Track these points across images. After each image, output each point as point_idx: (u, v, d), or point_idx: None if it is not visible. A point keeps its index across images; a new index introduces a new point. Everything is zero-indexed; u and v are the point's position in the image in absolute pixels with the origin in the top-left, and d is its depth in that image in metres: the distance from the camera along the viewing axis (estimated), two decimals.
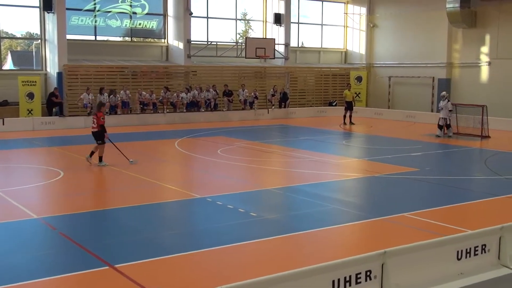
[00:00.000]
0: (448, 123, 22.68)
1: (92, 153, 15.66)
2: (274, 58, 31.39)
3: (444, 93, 23.20)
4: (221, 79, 30.89)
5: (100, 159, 15.58)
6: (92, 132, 15.73)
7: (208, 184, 13.65)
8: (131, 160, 15.89)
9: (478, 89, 29.93)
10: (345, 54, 36.81)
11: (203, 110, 28.78)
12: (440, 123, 22.89)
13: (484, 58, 29.77)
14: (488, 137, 22.59)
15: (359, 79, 34.86)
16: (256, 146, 20.03)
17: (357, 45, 35.99)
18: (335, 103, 34.27)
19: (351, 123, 27.65)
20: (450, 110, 22.65)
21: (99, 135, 15.57)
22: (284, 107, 31.58)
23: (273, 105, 30.97)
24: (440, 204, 11.70)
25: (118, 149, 16.18)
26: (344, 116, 27.74)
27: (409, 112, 30.48)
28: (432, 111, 31.16)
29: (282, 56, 32.72)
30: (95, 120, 15.64)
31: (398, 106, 33.46)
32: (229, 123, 28.01)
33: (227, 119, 28.95)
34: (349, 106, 27.68)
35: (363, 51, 35.61)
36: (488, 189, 13.56)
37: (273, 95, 31.00)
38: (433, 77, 31.81)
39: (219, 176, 14.63)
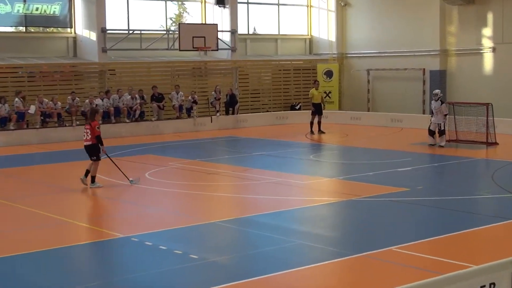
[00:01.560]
0: (442, 128, 23.12)
1: (87, 172, 16.43)
2: (217, 50, 31.48)
3: (437, 91, 23.61)
4: (148, 80, 30.78)
5: (93, 179, 16.39)
6: (85, 146, 16.49)
7: (133, 219, 13.52)
8: (131, 179, 16.77)
9: (481, 82, 30.68)
10: (310, 43, 37.23)
11: (128, 121, 28.62)
12: (431, 128, 23.35)
13: (487, 43, 30.57)
14: (496, 143, 23.15)
15: (329, 74, 35.28)
16: (196, 166, 19.98)
17: (325, 30, 36.46)
18: (299, 107, 34.57)
19: (320, 131, 27.93)
20: (445, 115, 23.08)
21: (94, 150, 16.35)
22: (232, 113, 31.67)
23: (217, 111, 31.05)
24: (436, 233, 11.88)
25: (117, 166, 16.98)
26: (311, 123, 28.00)
27: (394, 115, 31.00)
28: (423, 112, 31.76)
29: (228, 47, 32.87)
30: (88, 131, 16.35)
31: (381, 108, 34.00)
32: (160, 136, 27.89)
33: (158, 132, 28.84)
34: (317, 110, 27.96)
35: (332, 37, 36.09)
36: (496, 211, 13.85)
37: (217, 99, 31.07)
38: (424, 69, 32.47)
39: (148, 207, 14.51)
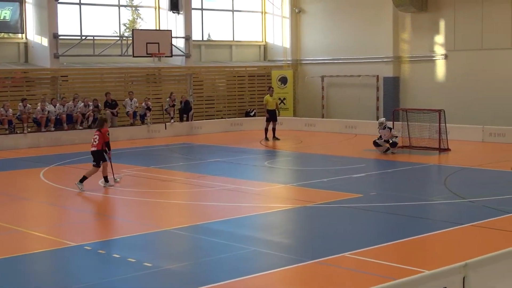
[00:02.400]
0: (391, 141, 23.19)
1: (106, 178, 17.46)
2: (171, 56, 31.38)
3: (382, 120, 23.82)
4: (101, 86, 30.53)
5: (82, 179, 17.04)
6: (91, 151, 17.37)
7: (86, 227, 13.40)
8: (116, 177, 17.86)
9: (434, 89, 31.12)
10: (265, 49, 37.34)
11: (81, 128, 28.32)
12: (381, 140, 23.38)
13: (439, 50, 31.03)
14: (448, 149, 23.48)
15: (283, 80, 35.43)
16: (151, 173, 19.88)
17: (279, 36, 36.62)
18: (253, 113, 34.63)
19: (275, 138, 28.02)
20: (394, 143, 23.25)
21: (98, 156, 17.27)
22: (187, 120, 31.59)
23: (172, 118, 30.95)
24: (389, 239, 12.00)
25: (111, 169, 17.86)
26: (266, 130, 28.07)
27: (348, 122, 31.23)
28: (377, 119, 32.02)
29: (182, 53, 32.79)
30: (97, 137, 17.30)
31: (335, 114, 34.24)
32: (113, 144, 27.43)
33: (111, 139, 28.12)
34: (271, 116, 28.03)
35: (287, 44, 36.26)
36: (449, 217, 14.04)
37: (171, 105, 30.97)
38: (377, 76, 32.80)
39: (101, 215, 14.39)
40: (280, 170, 21.29)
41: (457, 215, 14.08)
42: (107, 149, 17.46)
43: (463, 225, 12.84)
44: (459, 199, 15.50)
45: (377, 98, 32.84)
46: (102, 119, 18.30)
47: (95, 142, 17.37)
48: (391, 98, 32.16)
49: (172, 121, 30.88)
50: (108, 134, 17.63)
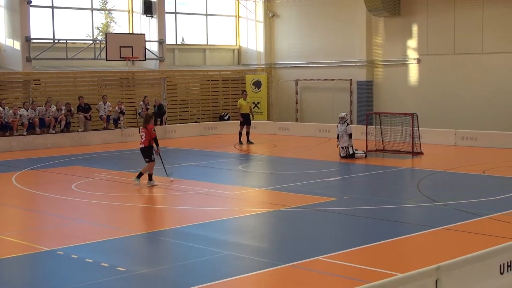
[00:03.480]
0: (351, 153, 22.74)
1: (140, 174, 18.06)
2: (145, 60, 31.30)
3: (343, 114, 23.61)
4: (74, 90, 30.36)
5: (150, 177, 18.06)
6: (140, 148, 18.20)
7: (58, 232, 13.30)
8: (168, 173, 18.80)
9: (406, 93, 31.33)
10: (239, 53, 37.38)
11: (53, 132, 28.12)
12: (341, 155, 22.91)
13: (412, 54, 31.25)
14: (421, 153, 23.64)
15: (257, 84, 35.47)
16: (124, 177, 19.79)
17: (253, 40, 36.67)
18: (227, 117, 34.63)
19: (249, 142, 28.03)
20: (349, 134, 22.82)
21: (147, 152, 18.01)
22: (161, 124, 31.51)
23: None
24: (363, 242, 12.05)
25: (163, 165, 18.89)
26: (240, 134, 28.09)
27: (322, 126, 31.32)
28: (351, 122, 32.21)
29: (156, 57, 32.72)
30: (144, 134, 18.02)
31: (309, 118, 34.35)
32: (87, 148, 27.52)
33: (85, 143, 28.46)
34: (245, 120, 28.05)
35: (261, 48, 36.31)
36: (421, 220, 14.13)
37: (145, 109, 30.86)
38: (351, 80, 32.97)
39: (74, 219, 14.30)
40: (254, 174, 21.30)
41: (429, 218, 14.16)
42: (154, 145, 18.17)
43: (436, 228, 12.92)
44: (432, 202, 15.60)
45: (351, 102, 32.99)
46: (148, 115, 18.75)
47: (142, 139, 18.11)
48: (365, 102, 32.35)
49: None
50: (154, 130, 18.19)
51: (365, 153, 23.21)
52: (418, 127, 24.05)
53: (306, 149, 26.67)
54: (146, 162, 18.10)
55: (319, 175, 19.64)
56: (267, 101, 35.90)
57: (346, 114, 23.71)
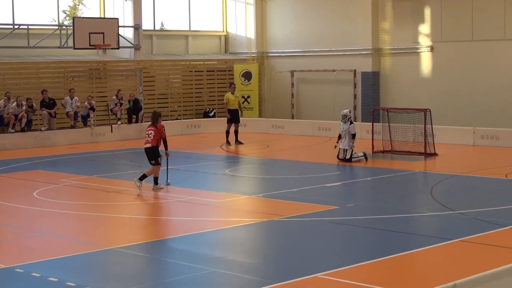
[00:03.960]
0: (347, 157, 22.61)
1: (143, 177, 18.17)
2: (118, 48, 31.23)
3: (346, 111, 23.41)
4: (37, 83, 30.29)
5: (156, 180, 18.38)
6: (145, 148, 18.42)
7: (18, 247, 13.20)
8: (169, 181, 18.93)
9: (418, 85, 31.30)
10: (226, 40, 37.31)
11: (13, 131, 28.02)
12: (339, 157, 22.86)
13: (424, 41, 31.24)
14: (435, 154, 23.65)
15: (247, 76, 35.42)
16: (94, 183, 19.73)
17: (242, 26, 36.62)
18: (213, 113, 34.58)
19: (237, 142, 28.01)
20: (353, 135, 22.68)
21: (154, 153, 18.32)
22: (136, 121, 31.45)
23: (119, 119, 30.80)
24: (369, 257, 12.00)
25: (167, 170, 18.99)
26: (227, 133, 28.06)
27: (322, 123, 31.29)
28: (354, 119, 32.17)
29: (131, 45, 32.67)
30: (152, 132, 18.31)
31: (306, 115, 34.35)
32: (51, 149, 27.42)
33: (48, 143, 28.37)
34: (233, 117, 28.03)
35: (251, 34, 36.27)
36: (435, 231, 14.12)
37: (118, 104, 30.79)
38: (355, 71, 32.92)
39: (36, 232, 14.22)
40: (244, 179, 21.25)
41: (444, 229, 14.15)
42: (164, 148, 18.53)
43: (452, 241, 12.90)
44: (448, 210, 15.60)
45: (355, 96, 32.97)
46: (156, 113, 18.86)
47: (150, 138, 18.31)
48: (370, 95, 32.32)
49: (119, 122, 30.71)
50: (164, 129, 18.47)
51: (364, 155, 22.98)
52: (432, 125, 24.05)
53: (303, 150, 26.64)
54: (152, 164, 18.38)
55: (318, 180, 19.63)
56: (259, 95, 35.84)
57: (349, 111, 23.54)
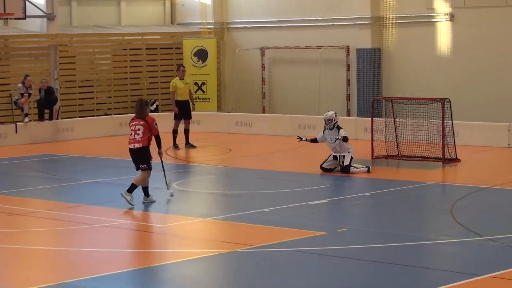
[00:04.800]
0: (345, 164, 22.57)
1: (133, 187, 18.72)
2: (24, 18, 31.09)
3: (330, 114, 23.29)
4: None
5: (146, 191, 19.00)
6: (132, 150, 18.91)
7: None
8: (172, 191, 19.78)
9: (433, 66, 31.43)
10: (172, 7, 37.31)
11: None
12: (324, 166, 22.89)
13: (442, 7, 31.36)
14: (456, 160, 23.79)
15: (201, 55, 35.38)
16: None
17: None
18: (155, 106, 34.49)
19: (188, 145, 28.16)
20: (344, 137, 22.59)
21: (144, 155, 18.80)
22: (50, 118, 31.30)
23: (26, 115, 30.62)
24: None
25: (164, 175, 19.81)
26: (175, 132, 28.14)
27: (303, 119, 31.40)
28: (348, 113, 32.33)
29: (42, 14, 32.51)
30: (141, 128, 18.69)
31: (283, 107, 34.48)
32: None
33: None
34: (183, 112, 28.14)
35: None
36: (457, 264, 14.11)
37: (25, 95, 30.61)
38: (347, 47, 33.01)
39: None
40: (197, 196, 21.20)
41: (469, 261, 14.16)
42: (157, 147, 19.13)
43: (480, 277, 12.91)
44: (473, 236, 15.62)
45: (348, 82, 33.03)
46: (143, 102, 19.40)
47: (138, 135, 18.72)
48: (369, 81, 32.40)
49: (26, 119, 30.60)
50: (156, 124, 18.95)
51: (368, 168, 22.90)
52: (452, 120, 24.13)
53: (278, 156, 26.69)
54: (142, 170, 18.89)
55: (299, 196, 19.66)
56: (217, 82, 35.85)
57: (335, 114, 23.39)
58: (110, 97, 34.43)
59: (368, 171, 22.81)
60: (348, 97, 32.88)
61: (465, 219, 17.04)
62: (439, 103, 24.13)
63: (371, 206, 19.24)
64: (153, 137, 18.88)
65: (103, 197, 20.15)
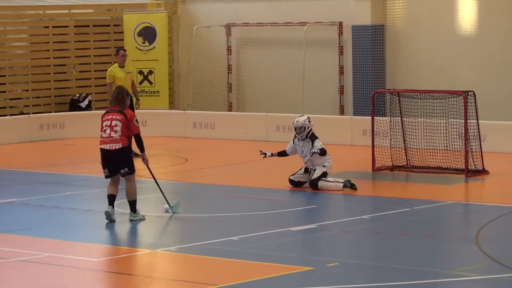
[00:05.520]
0: (315, 176, 22.91)
1: (112, 199, 19.84)
2: None
3: (302, 120, 23.47)
4: None
5: (133, 206, 19.96)
6: (109, 151, 19.57)
7: None
8: (173, 205, 20.65)
9: (453, 50, 31.58)
10: None
11: None
12: (291, 178, 23.37)
13: None
14: (484, 172, 23.90)
15: (147, 35, 35.48)
16: None
17: None
18: (87, 102, 34.48)
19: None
20: (321, 150, 22.82)
21: (126, 157, 19.64)
22: None
23: None
24: None
25: (159, 187, 20.98)
26: None
27: (282, 119, 31.40)
28: (341, 111, 32.46)
29: None
30: (117, 125, 19.32)
31: (255, 104, 34.73)
32: None
33: None
34: None
35: None
36: None
37: None
38: (340, 24, 33.14)
39: None
40: (143, 220, 21.26)
41: None
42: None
43: None
44: (506, 271, 15.71)
45: (341, 69, 33.18)
46: (121, 89, 20.08)
47: (116, 133, 19.30)
48: (369, 68, 32.53)
49: None
50: (137, 120, 19.66)
51: (348, 183, 22.88)
52: (478, 120, 24.23)
53: (249, 167, 26.77)
54: (125, 174, 19.83)
55: (276, 220, 19.81)
56: (169, 70, 35.92)
57: (308, 119, 23.59)
58: (27, 90, 34.46)
59: (351, 187, 22.74)
60: (342, 90, 33.04)
61: (495, 250, 17.12)
62: (461, 97, 24.21)
63: (371, 233, 19.34)
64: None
65: (20, 221, 20.14)
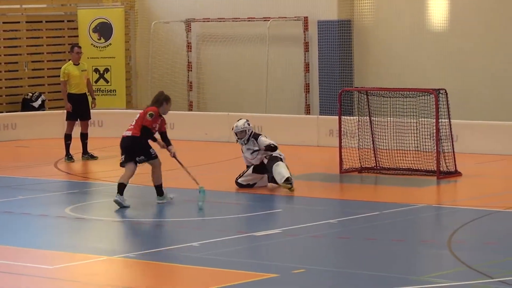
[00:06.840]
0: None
1: (160, 188, 22.52)
2: None
3: (242, 123, 23.80)
4: None
5: (160, 190, 22.48)
6: (122, 137, 22.39)
7: None
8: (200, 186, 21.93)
9: (424, 47, 31.69)
10: None
11: None
12: (239, 181, 23.72)
13: None
14: (456, 174, 24.07)
15: (104, 31, 35.46)
16: None
17: None
18: (40, 102, 34.43)
19: (87, 155, 28.45)
20: (269, 146, 23.18)
21: (135, 145, 22.22)
22: None
23: None
24: None
25: (184, 169, 22.67)
26: (68, 138, 28.31)
27: (246, 117, 31.24)
28: (307, 110, 32.52)
29: None
30: (137, 116, 22.31)
31: (216, 104, 34.82)
32: None
33: None
34: (78, 109, 28.34)
35: None
36: None
37: None
38: (305, 18, 33.20)
39: None
40: (100, 225, 21.25)
41: None
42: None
43: None
44: (479, 277, 15.80)
45: (306, 66, 33.22)
46: (161, 95, 23.28)
47: (132, 124, 22.33)
48: (336, 66, 32.59)
49: None
50: (152, 116, 22.25)
51: (287, 180, 22.98)
52: (450, 119, 24.34)
53: (211, 169, 26.85)
54: (141, 161, 22.50)
55: (239, 225, 19.94)
56: (126, 68, 35.91)
57: (247, 122, 23.90)
58: None
59: (286, 185, 22.86)
60: (307, 88, 33.11)
61: (468, 255, 17.22)
62: (432, 96, 24.31)
63: (339, 238, 19.40)
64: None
65: None
